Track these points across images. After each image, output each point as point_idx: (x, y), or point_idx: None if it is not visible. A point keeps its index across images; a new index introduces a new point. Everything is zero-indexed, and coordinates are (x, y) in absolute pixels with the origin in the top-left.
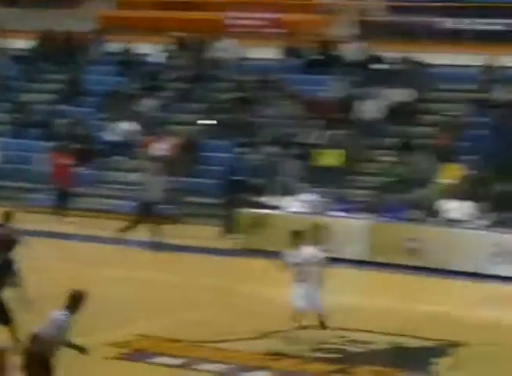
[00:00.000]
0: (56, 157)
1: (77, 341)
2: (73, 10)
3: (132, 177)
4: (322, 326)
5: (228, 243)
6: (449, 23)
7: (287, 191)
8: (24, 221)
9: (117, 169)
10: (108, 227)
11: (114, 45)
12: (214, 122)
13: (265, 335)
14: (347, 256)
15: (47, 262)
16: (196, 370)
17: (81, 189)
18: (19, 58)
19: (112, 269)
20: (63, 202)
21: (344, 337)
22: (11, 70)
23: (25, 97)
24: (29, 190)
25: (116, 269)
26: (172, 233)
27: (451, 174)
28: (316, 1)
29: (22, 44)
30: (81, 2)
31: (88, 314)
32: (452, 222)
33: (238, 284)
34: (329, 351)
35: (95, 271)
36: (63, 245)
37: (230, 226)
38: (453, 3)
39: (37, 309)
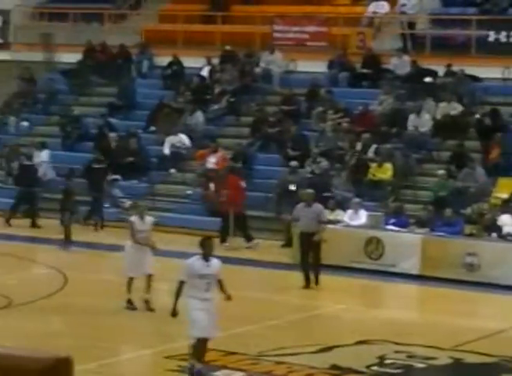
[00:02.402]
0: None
1: (141, 353)
2: (120, 24)
3: (182, 190)
4: None
5: (284, 256)
6: (497, 36)
7: (340, 205)
8: (76, 233)
9: (167, 182)
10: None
11: (161, 59)
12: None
13: (325, 349)
14: (402, 270)
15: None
16: None
17: (128, 202)
18: (68, 72)
19: (166, 282)
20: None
21: (401, 352)
22: (60, 83)
23: (75, 110)
24: (81, 203)
25: (169, 282)
26: (224, 246)
27: (506, 188)
28: (363, 15)
29: (71, 57)
30: (126, 16)
31: (148, 326)
32: (507, 237)
33: (295, 298)
34: (392, 366)
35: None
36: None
37: (288, 240)
38: (500, 16)
39: None
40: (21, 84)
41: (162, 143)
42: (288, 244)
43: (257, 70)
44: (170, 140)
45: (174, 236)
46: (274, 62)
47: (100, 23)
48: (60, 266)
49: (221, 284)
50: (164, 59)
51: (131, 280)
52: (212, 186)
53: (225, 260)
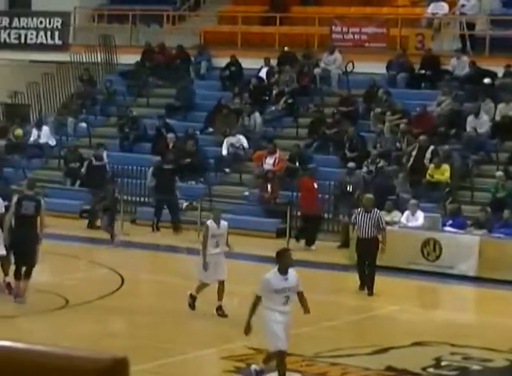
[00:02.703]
0: None
1: (197, 354)
2: (179, 26)
3: (239, 191)
4: None
5: (341, 257)
6: None
7: (397, 206)
8: (133, 234)
9: (224, 183)
10: None
11: (219, 60)
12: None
13: (381, 351)
14: (459, 272)
15: (159, 275)
16: None
17: (185, 203)
18: (127, 73)
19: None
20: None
21: (458, 354)
22: (119, 84)
23: (133, 112)
24: (138, 203)
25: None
26: (278, 248)
27: None
28: (423, 16)
29: (130, 59)
30: (185, 18)
31: (204, 327)
32: None
33: (351, 299)
34: (448, 368)
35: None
36: (172, 258)
37: (344, 241)
38: None
39: None
40: (80, 86)
41: (220, 144)
42: (345, 244)
43: (316, 71)
44: (228, 141)
45: (231, 237)
46: (332, 63)
47: (159, 24)
48: (117, 267)
49: (300, 297)
50: (222, 61)
51: (203, 284)
52: (270, 187)
53: None
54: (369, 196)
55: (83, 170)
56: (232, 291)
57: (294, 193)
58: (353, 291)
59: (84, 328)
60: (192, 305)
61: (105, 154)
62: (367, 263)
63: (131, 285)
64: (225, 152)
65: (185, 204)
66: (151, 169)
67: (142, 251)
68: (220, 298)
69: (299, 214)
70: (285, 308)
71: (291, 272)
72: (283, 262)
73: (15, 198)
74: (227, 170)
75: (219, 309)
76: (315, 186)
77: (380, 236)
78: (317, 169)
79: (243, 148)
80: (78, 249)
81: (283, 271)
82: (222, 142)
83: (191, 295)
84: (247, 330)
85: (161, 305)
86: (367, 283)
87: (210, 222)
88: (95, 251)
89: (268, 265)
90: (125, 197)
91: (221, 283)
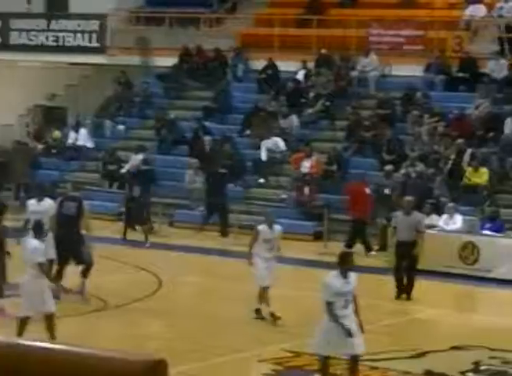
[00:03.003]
0: None
1: (234, 356)
2: (216, 28)
3: (277, 194)
4: None
5: (379, 261)
6: None
7: (436, 210)
8: (170, 236)
9: (262, 186)
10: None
11: (256, 63)
12: None
13: (419, 354)
14: (497, 276)
15: (197, 277)
16: None
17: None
18: (164, 75)
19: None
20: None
21: (497, 358)
22: (156, 87)
23: (170, 114)
24: (176, 206)
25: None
26: (318, 250)
27: None
28: (460, 18)
29: (167, 61)
30: (222, 20)
31: (241, 330)
32: None
33: (390, 303)
34: (487, 372)
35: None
36: (208, 261)
37: (382, 244)
38: None
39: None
40: (117, 88)
41: (257, 147)
42: (383, 248)
43: (353, 73)
44: (265, 144)
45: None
46: (370, 65)
47: (196, 27)
48: (155, 269)
49: (353, 300)
50: (259, 63)
51: (262, 290)
52: (307, 190)
53: (320, 264)
54: (409, 198)
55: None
56: (270, 293)
57: (334, 196)
58: (391, 295)
59: (122, 330)
60: (259, 317)
61: (143, 157)
62: (407, 266)
63: (169, 287)
64: (264, 156)
65: None
66: (189, 171)
67: (179, 254)
68: (268, 303)
69: (349, 219)
70: (345, 311)
71: (352, 275)
72: (345, 264)
73: (58, 199)
74: (262, 180)
75: (272, 315)
76: (367, 191)
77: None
78: (347, 172)
79: (280, 151)
80: (115, 251)
81: (345, 274)
82: (259, 145)
83: (257, 310)
84: (350, 334)
85: (199, 308)
86: (406, 288)
87: (261, 227)
88: (132, 253)
89: (305, 268)
90: (163, 200)
91: (266, 289)
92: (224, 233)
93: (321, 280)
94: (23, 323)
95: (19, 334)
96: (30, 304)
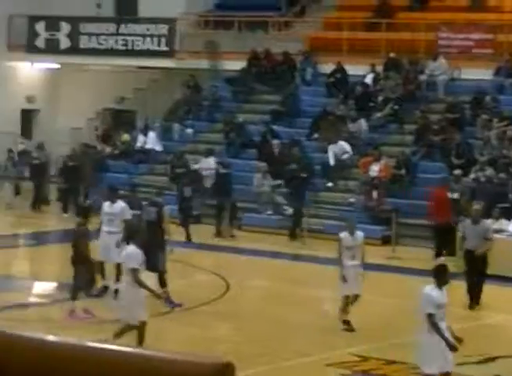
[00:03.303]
0: None
1: (301, 360)
2: (284, 32)
3: (345, 198)
4: None
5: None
6: None
7: (505, 214)
8: (240, 240)
9: (330, 190)
10: (323, 248)
11: (326, 66)
12: None
13: (489, 360)
14: None
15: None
16: None
17: (290, 209)
18: (232, 79)
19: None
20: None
21: None
22: (225, 91)
23: (239, 118)
24: (245, 209)
25: (333, 290)
26: (386, 255)
27: None
28: None
29: (235, 65)
30: (291, 24)
31: (308, 334)
32: None
33: (459, 308)
34: None
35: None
36: (277, 264)
37: (451, 249)
38: None
39: None
40: (186, 92)
41: (325, 151)
42: (451, 253)
43: (422, 77)
44: (332, 148)
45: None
46: (438, 69)
47: (265, 30)
48: (223, 272)
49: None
50: (328, 67)
51: (345, 298)
52: (375, 194)
53: (388, 269)
54: (477, 207)
55: (211, 179)
56: (337, 298)
57: (402, 201)
58: (460, 300)
59: (190, 333)
60: (350, 329)
61: (212, 160)
62: (476, 272)
63: (237, 291)
64: (331, 161)
65: (290, 210)
66: (257, 175)
67: (248, 257)
68: (347, 311)
69: (431, 224)
70: (443, 324)
71: (444, 287)
72: (442, 278)
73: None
74: (330, 184)
75: (345, 322)
76: (449, 196)
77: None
78: (415, 176)
79: (347, 155)
80: (184, 254)
81: (441, 287)
82: (327, 149)
83: (344, 321)
84: (455, 348)
85: (267, 311)
86: (476, 293)
87: (343, 234)
88: (200, 256)
89: (373, 273)
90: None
91: (354, 298)
92: (293, 237)
93: (422, 292)
94: (126, 330)
95: (140, 341)
96: (129, 311)
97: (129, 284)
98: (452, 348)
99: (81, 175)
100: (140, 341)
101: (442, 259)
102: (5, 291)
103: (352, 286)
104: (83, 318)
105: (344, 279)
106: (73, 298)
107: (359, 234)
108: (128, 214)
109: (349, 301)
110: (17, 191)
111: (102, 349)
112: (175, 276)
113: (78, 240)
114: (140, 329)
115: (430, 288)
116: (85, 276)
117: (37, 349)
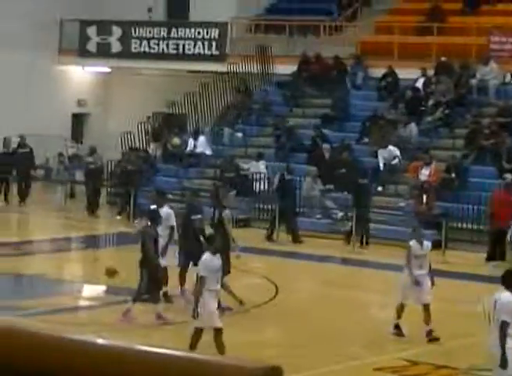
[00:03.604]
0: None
1: (349, 364)
2: (335, 36)
3: (395, 202)
4: None
5: (493, 270)
6: None
7: None
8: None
9: (380, 194)
10: (373, 252)
11: (377, 71)
12: None
13: None
14: None
15: (312, 284)
16: None
17: (340, 213)
18: (283, 83)
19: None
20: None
21: None
22: (275, 95)
23: (289, 122)
24: (299, 214)
25: (384, 295)
26: (436, 259)
27: None
28: None
29: (286, 69)
30: (342, 28)
31: (357, 337)
32: None
33: None
34: None
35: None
36: (327, 268)
37: (499, 253)
38: None
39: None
40: (236, 96)
41: (375, 155)
42: (501, 257)
43: (473, 81)
44: (382, 153)
45: (389, 248)
46: (490, 73)
47: (316, 35)
48: (272, 276)
49: None
50: (378, 71)
51: (402, 305)
52: (425, 198)
53: (438, 273)
54: None
55: (276, 183)
56: (388, 302)
57: (452, 205)
58: None
59: (239, 337)
60: (400, 334)
61: (262, 164)
62: None
63: (287, 295)
64: (381, 165)
65: (340, 215)
66: (308, 179)
67: (298, 261)
68: (427, 321)
69: (489, 228)
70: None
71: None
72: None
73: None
74: (380, 188)
75: (429, 333)
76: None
77: None
78: (466, 180)
79: (399, 160)
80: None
81: None
82: (377, 153)
83: (395, 326)
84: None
85: (316, 315)
86: None
87: (412, 243)
88: (249, 259)
89: None
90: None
91: (426, 307)
92: (365, 242)
93: (495, 298)
94: (196, 334)
95: (192, 345)
96: (209, 316)
97: (209, 291)
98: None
99: (132, 178)
100: (220, 350)
101: (495, 264)
102: (57, 295)
103: (416, 296)
104: (133, 320)
105: (417, 284)
106: (134, 299)
107: (427, 244)
108: (173, 220)
109: (404, 309)
110: (70, 195)
111: (150, 352)
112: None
113: (144, 244)
114: (217, 335)
115: (505, 295)
116: (149, 280)
117: (87, 352)
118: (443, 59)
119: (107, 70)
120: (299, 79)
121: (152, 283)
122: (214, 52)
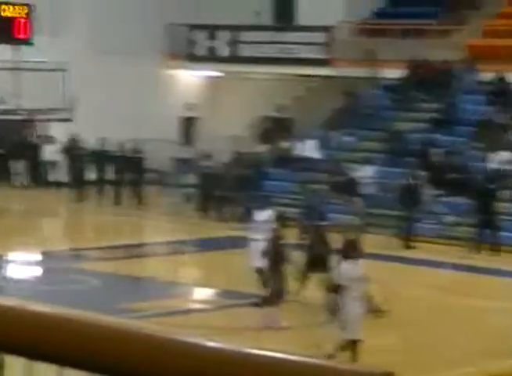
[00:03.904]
0: None
1: (462, 371)
2: (443, 40)
3: (508, 207)
4: None
5: None
6: None
7: None
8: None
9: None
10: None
11: (486, 75)
12: None
13: None
14: None
15: (427, 291)
16: None
17: (451, 218)
18: (391, 87)
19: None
20: None
21: None
22: (383, 99)
23: (398, 126)
24: (404, 219)
25: (496, 300)
26: None
27: None
28: None
29: (394, 73)
30: (450, 32)
31: (473, 343)
32: None
33: None
34: None
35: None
36: (443, 275)
37: None
38: None
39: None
40: (345, 100)
41: (485, 160)
42: None
43: None
44: (492, 157)
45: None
46: None
47: (423, 38)
48: (388, 282)
49: None
50: (488, 75)
51: None
52: None
53: None
54: None
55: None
56: (502, 307)
57: None
58: None
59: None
60: None
61: (370, 169)
62: None
63: (401, 300)
64: (492, 170)
65: (451, 220)
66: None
67: (414, 267)
68: None
69: None
70: None
71: None
72: None
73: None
74: (497, 187)
75: None
76: None
77: None
78: None
79: (509, 164)
80: None
81: None
82: (487, 158)
83: None
84: None
85: (433, 321)
86: None
87: None
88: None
89: None
90: (388, 212)
91: None
92: (496, 250)
93: None
94: (348, 346)
95: (353, 359)
96: (354, 327)
97: (352, 300)
98: None
99: (241, 182)
100: (354, 359)
101: None
102: (170, 297)
103: None
104: (275, 325)
105: None
106: (267, 304)
107: None
108: (274, 224)
109: None
110: (184, 198)
111: (260, 356)
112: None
113: (273, 248)
114: (354, 346)
115: None
116: (277, 284)
117: (195, 354)
118: None
119: (215, 74)
120: (407, 83)
121: (277, 288)
122: (322, 56)
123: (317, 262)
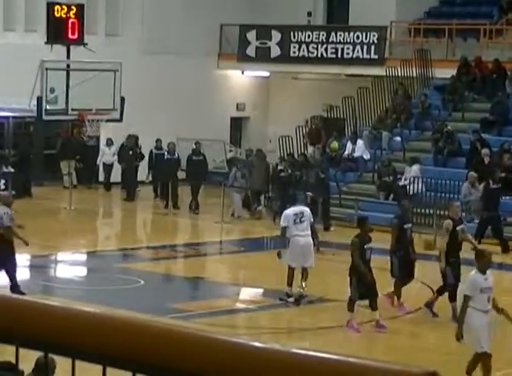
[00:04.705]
0: None
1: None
2: (496, 39)
3: None
4: None
5: None
6: None
7: None
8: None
9: None
10: None
11: None
12: None
13: None
14: None
15: None
16: None
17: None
18: (442, 87)
19: None
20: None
21: None
22: (434, 99)
23: (448, 126)
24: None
25: None
26: None
27: None
28: None
29: (445, 73)
30: (503, 31)
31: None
32: None
33: None
34: None
35: None
36: None
37: None
38: None
39: None
40: (395, 100)
41: None
42: None
43: None
44: None
45: None
46: None
47: (476, 38)
48: (430, 281)
49: None
50: None
51: None
52: None
53: None
54: None
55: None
56: None
57: None
58: None
59: (397, 341)
60: None
61: (417, 168)
62: None
63: (444, 300)
64: None
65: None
66: (466, 184)
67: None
68: None
69: None
70: None
71: None
72: None
73: None
74: None
75: None
76: None
77: None
78: None
79: None
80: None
81: None
82: None
83: None
84: None
85: None
86: None
87: None
88: None
89: None
90: (438, 212)
91: None
92: (505, 249)
93: None
94: (480, 359)
95: (487, 371)
96: (474, 338)
97: (474, 309)
98: None
99: (289, 182)
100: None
101: None
102: (215, 297)
103: None
104: (358, 329)
105: None
106: (349, 309)
107: None
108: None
109: None
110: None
111: (305, 356)
112: (383, 285)
113: (352, 250)
114: (485, 359)
115: None
116: (358, 287)
117: (238, 354)
118: None
119: (266, 74)
120: (459, 83)
121: (363, 289)
122: (373, 55)
123: (411, 268)
